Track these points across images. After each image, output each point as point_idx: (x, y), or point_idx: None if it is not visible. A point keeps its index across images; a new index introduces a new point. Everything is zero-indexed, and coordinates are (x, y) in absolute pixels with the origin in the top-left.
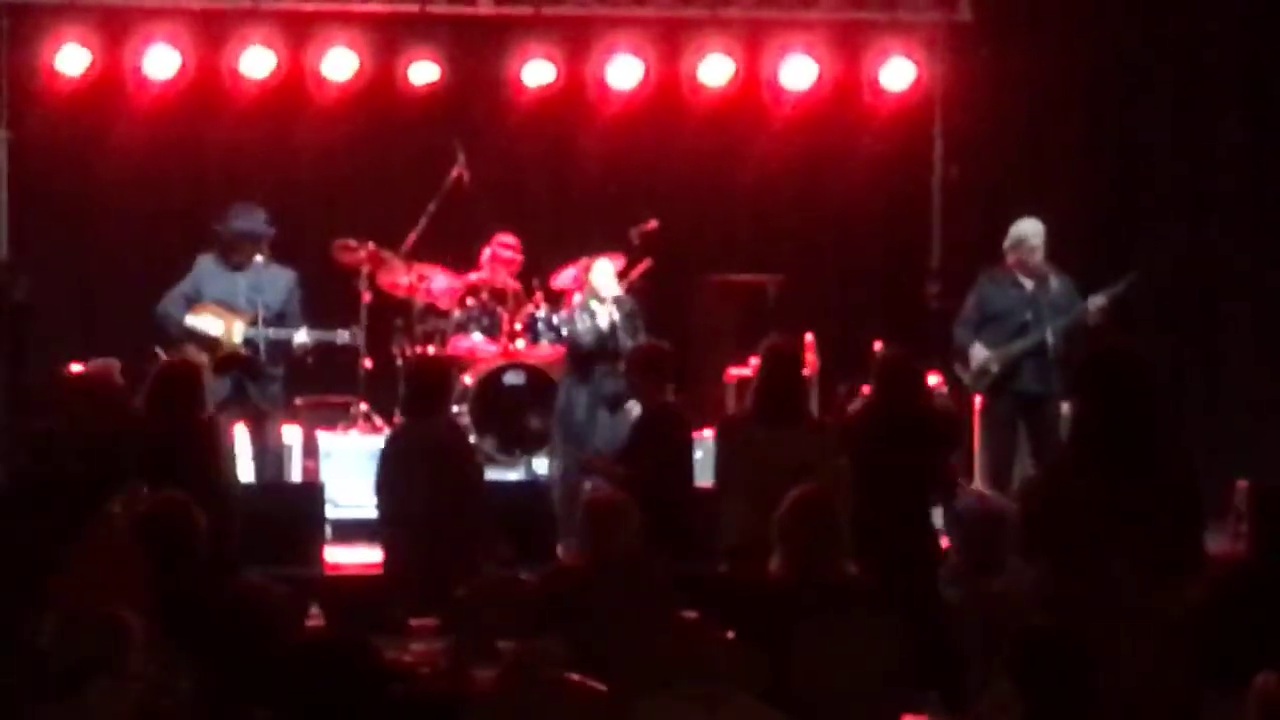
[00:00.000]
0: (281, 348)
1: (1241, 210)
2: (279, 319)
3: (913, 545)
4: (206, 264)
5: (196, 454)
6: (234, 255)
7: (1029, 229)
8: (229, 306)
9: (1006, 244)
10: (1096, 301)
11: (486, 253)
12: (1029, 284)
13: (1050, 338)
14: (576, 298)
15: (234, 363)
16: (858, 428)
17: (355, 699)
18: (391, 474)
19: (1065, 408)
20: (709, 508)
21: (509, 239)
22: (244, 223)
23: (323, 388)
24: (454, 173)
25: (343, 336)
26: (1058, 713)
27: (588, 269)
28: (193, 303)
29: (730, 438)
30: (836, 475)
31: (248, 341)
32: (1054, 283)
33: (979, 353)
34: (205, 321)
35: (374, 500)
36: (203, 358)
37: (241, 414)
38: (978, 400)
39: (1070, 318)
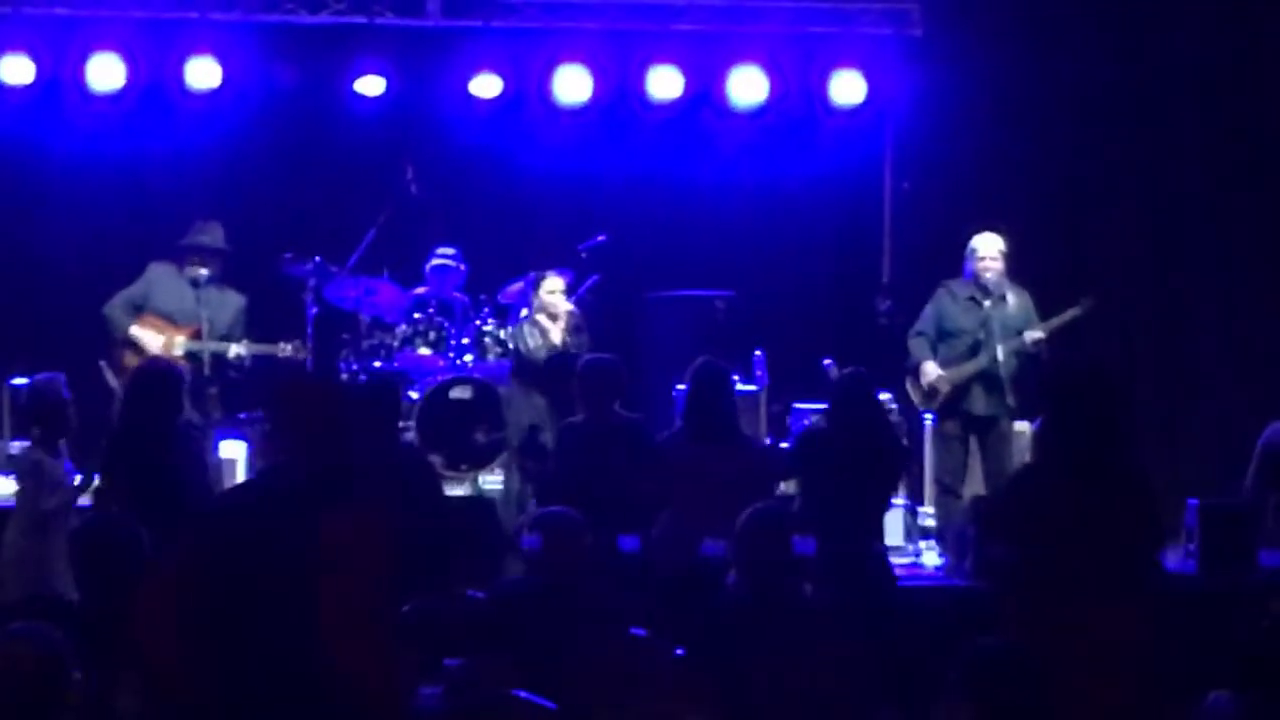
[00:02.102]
0: (222, 361)
1: (1198, 225)
2: (222, 340)
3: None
4: (159, 272)
5: (169, 459)
6: (190, 268)
7: (978, 242)
8: (173, 320)
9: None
10: (1033, 335)
11: (426, 266)
12: (986, 302)
13: (1000, 357)
14: (525, 313)
15: None
16: (811, 448)
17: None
18: None
19: (1017, 427)
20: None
21: (448, 249)
22: (205, 237)
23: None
24: (402, 185)
25: (284, 350)
26: None
27: (537, 284)
28: (139, 310)
29: (663, 458)
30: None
31: (190, 356)
32: (1011, 300)
33: (931, 371)
34: (146, 335)
35: None
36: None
37: None
38: (928, 419)
39: (1020, 341)
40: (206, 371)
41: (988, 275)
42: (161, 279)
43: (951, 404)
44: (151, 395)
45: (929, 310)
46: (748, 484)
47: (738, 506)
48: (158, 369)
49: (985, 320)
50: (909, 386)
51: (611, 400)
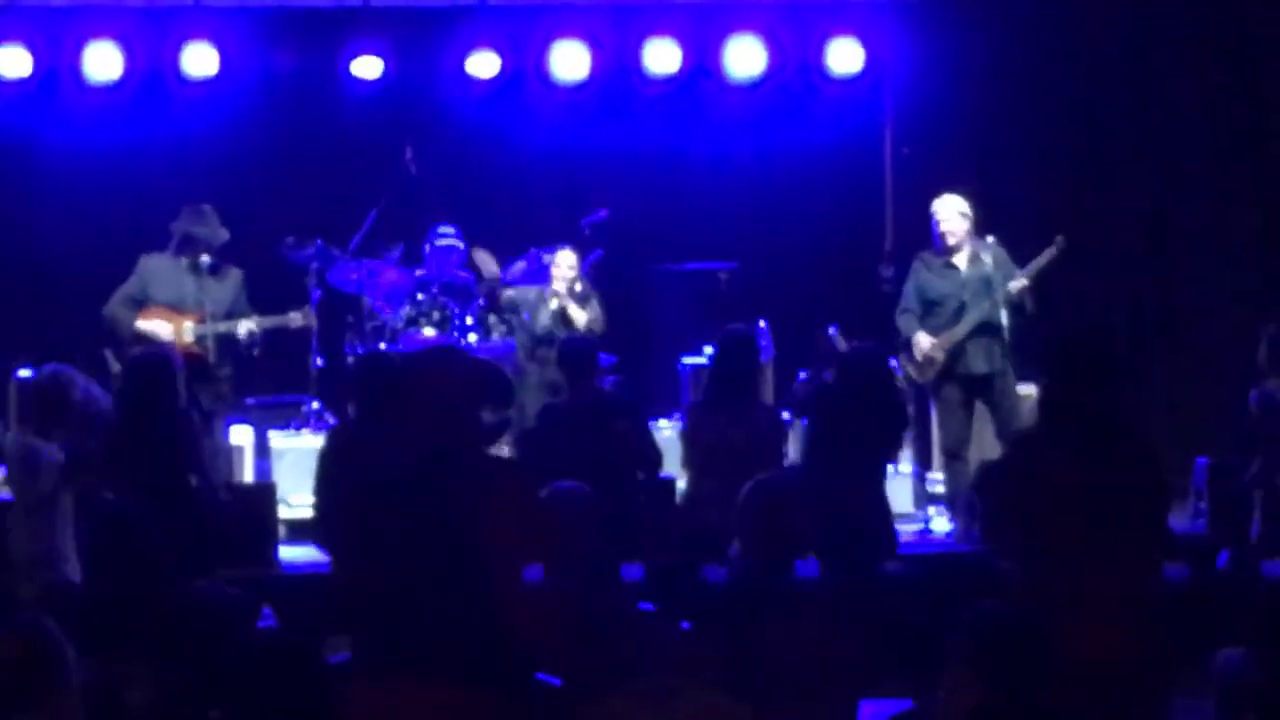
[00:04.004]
0: (230, 343)
1: (1196, 184)
2: (227, 318)
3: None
4: (152, 263)
5: (167, 449)
6: (184, 255)
7: (937, 205)
8: (176, 308)
9: None
10: (1017, 284)
11: (428, 246)
12: (963, 265)
13: (1004, 319)
14: (532, 290)
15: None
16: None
17: (305, 700)
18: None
19: (1022, 390)
20: (664, 496)
21: (447, 228)
22: (197, 225)
23: (274, 387)
24: (402, 167)
25: (295, 320)
26: (1015, 697)
27: (545, 261)
28: (140, 305)
29: (687, 424)
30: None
31: (198, 340)
32: (987, 260)
33: (923, 341)
34: (154, 325)
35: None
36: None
37: None
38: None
39: (1005, 292)
40: (212, 358)
41: (949, 238)
42: (157, 270)
43: (949, 369)
44: (145, 386)
45: (909, 285)
46: (760, 449)
47: (750, 472)
48: (150, 359)
49: (964, 282)
50: (905, 363)
51: (590, 378)
